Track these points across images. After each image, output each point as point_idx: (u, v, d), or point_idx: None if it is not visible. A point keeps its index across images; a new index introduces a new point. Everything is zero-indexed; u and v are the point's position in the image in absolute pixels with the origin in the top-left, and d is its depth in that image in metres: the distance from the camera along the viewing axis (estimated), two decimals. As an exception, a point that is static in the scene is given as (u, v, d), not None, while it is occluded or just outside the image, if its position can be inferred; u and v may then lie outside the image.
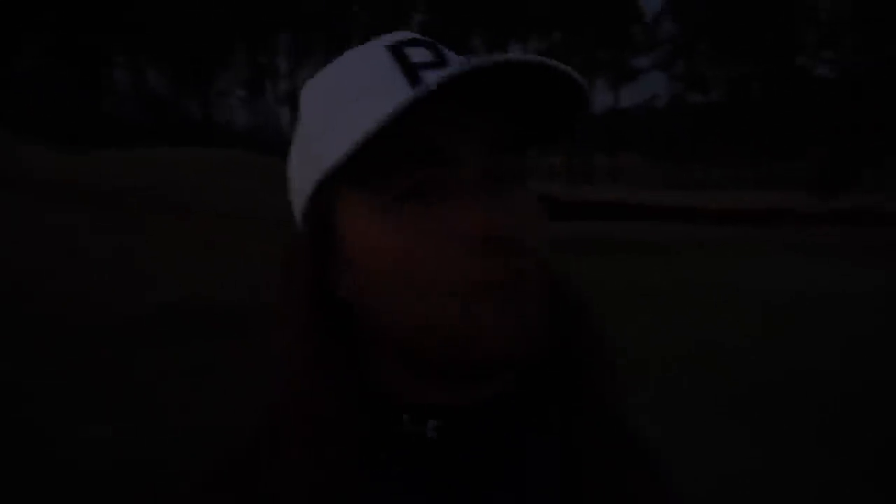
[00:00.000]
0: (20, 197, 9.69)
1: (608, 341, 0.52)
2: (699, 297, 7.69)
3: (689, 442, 3.69)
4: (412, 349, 0.46)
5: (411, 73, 0.45)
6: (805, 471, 3.70)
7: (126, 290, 6.93)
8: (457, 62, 0.46)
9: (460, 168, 0.44)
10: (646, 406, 4.69)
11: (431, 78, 0.42)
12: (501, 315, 0.43)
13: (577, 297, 0.53)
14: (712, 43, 55.94)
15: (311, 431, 0.45)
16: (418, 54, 0.46)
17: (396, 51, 0.46)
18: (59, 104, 46.46)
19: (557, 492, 0.49)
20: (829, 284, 8.87)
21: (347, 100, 0.45)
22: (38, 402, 4.31)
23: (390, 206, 0.44)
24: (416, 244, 0.43)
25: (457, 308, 0.43)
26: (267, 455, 0.46)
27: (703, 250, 11.01)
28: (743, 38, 53.50)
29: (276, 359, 0.48)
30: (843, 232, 18.22)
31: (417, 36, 0.48)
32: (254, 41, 54.44)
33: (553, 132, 0.49)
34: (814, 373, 5.28)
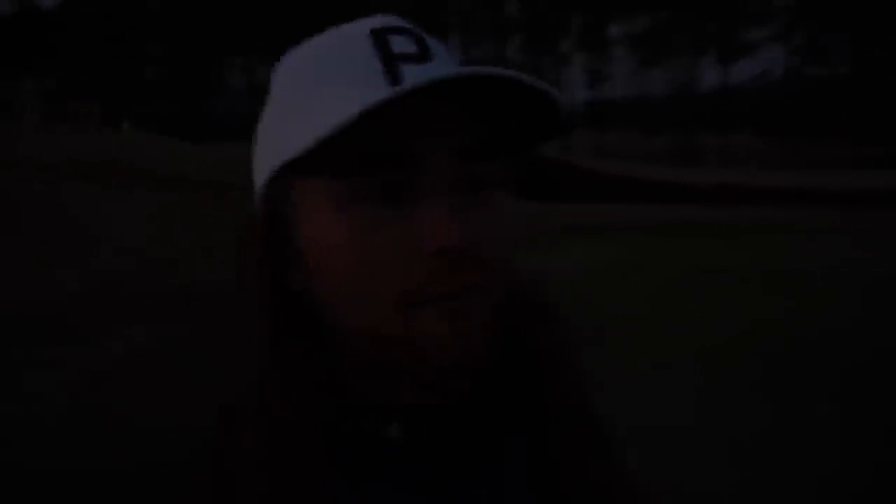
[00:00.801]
0: (136, 188, 10.53)
1: (571, 342, 0.52)
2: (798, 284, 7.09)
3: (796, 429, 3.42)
4: (357, 350, 0.45)
5: (390, 65, 0.43)
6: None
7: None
8: (441, 56, 0.45)
9: (427, 173, 0.42)
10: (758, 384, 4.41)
11: (410, 74, 0.42)
12: (444, 326, 0.42)
13: (540, 301, 0.52)
14: (834, 10, 51.29)
15: (267, 430, 0.44)
16: (401, 44, 0.44)
17: (379, 38, 0.44)
18: (180, 104, 50.22)
19: (525, 489, 0.48)
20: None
21: (320, 83, 0.44)
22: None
23: (347, 204, 0.42)
24: (368, 246, 0.42)
25: (400, 315, 0.42)
26: (226, 456, 0.45)
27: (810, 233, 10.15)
28: (869, 3, 48.65)
29: (234, 348, 0.47)
30: None
31: (404, 23, 0.46)
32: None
33: (530, 141, 0.47)
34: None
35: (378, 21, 0.45)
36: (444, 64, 0.44)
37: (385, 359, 0.44)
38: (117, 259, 7.45)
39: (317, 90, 0.44)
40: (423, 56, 0.43)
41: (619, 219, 12.01)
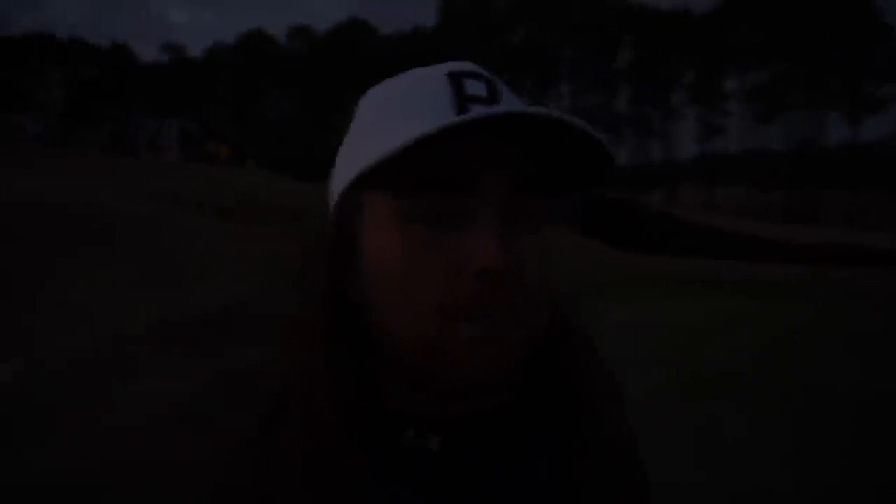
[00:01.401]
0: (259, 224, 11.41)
1: (603, 368, 0.56)
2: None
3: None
4: (400, 359, 0.48)
5: (461, 104, 0.47)
6: None
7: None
8: (510, 101, 0.49)
9: (480, 200, 0.46)
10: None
11: (477, 113, 0.45)
12: (478, 341, 0.46)
13: (575, 329, 0.57)
14: None
15: (313, 436, 0.47)
16: (473, 87, 0.48)
17: (455, 80, 0.48)
18: (299, 143, 53.70)
19: (557, 501, 0.51)
20: None
21: (396, 115, 0.48)
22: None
23: (406, 221, 0.47)
24: (419, 260, 0.46)
25: (438, 327, 0.46)
26: (267, 458, 0.48)
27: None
28: None
29: (283, 357, 0.52)
30: None
31: (480, 70, 0.50)
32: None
33: (582, 183, 0.51)
34: None
35: (456, 66, 0.50)
36: (511, 107, 0.48)
37: (424, 368, 0.47)
38: (239, 283, 8.17)
39: (391, 118, 0.48)
40: (492, 99, 0.48)
41: (722, 274, 11.58)
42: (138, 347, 6.13)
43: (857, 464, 4.05)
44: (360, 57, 51.77)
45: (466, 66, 0.51)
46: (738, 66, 54.78)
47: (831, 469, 4.03)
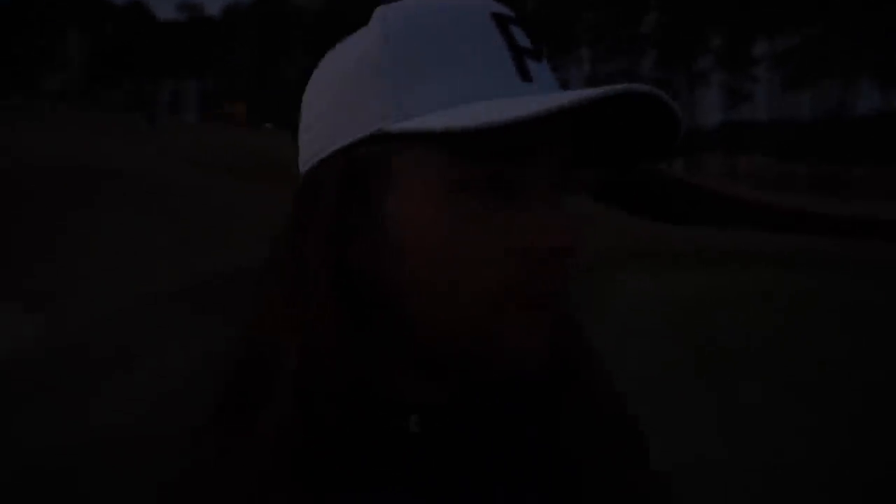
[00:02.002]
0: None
1: (585, 339, 0.53)
2: None
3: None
4: (419, 342, 0.43)
5: (520, 60, 0.42)
6: None
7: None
8: (544, 53, 0.45)
9: (540, 172, 0.42)
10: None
11: (534, 71, 0.42)
12: (531, 330, 0.42)
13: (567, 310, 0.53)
14: None
15: (304, 429, 0.42)
16: (520, 37, 0.43)
17: (503, 26, 0.43)
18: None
19: (547, 484, 0.47)
20: None
21: (452, 58, 0.42)
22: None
23: (458, 189, 0.41)
24: (472, 236, 0.41)
25: (491, 314, 0.41)
26: (243, 454, 0.43)
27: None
28: None
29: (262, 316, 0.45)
30: None
31: (510, 11, 0.46)
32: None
33: (633, 156, 0.47)
34: None
35: (493, 5, 0.44)
36: (545, 62, 0.45)
37: (455, 357, 0.43)
38: (259, 245, 8.20)
39: (441, 67, 0.42)
40: (538, 53, 0.44)
41: (742, 245, 11.44)
42: (162, 307, 6.20)
43: (867, 432, 4.01)
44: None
45: (501, 6, 0.45)
46: (768, 29, 53.10)
47: (843, 437, 4.00)
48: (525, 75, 0.42)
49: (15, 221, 8.34)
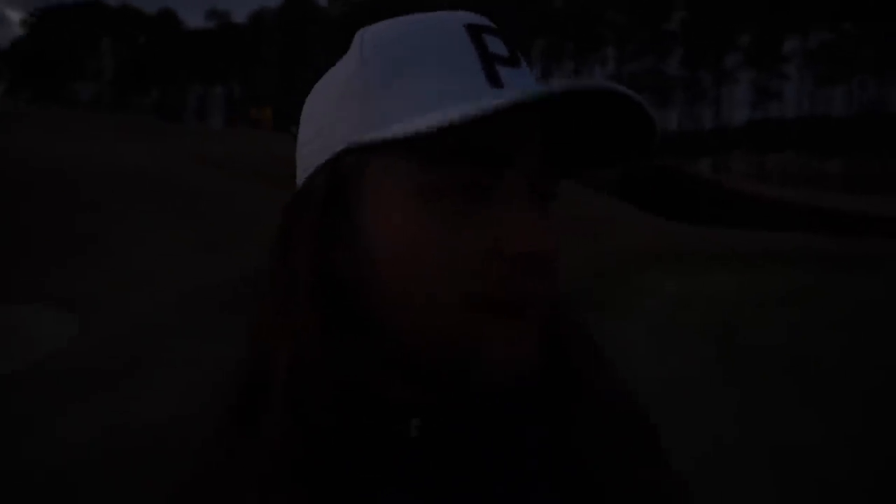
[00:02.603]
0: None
1: (591, 339, 0.52)
2: None
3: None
4: (404, 350, 0.43)
5: (489, 66, 0.42)
6: None
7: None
8: (522, 60, 0.45)
9: (516, 175, 0.41)
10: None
11: (506, 77, 0.42)
12: (509, 340, 0.41)
13: (569, 310, 0.51)
14: None
15: (300, 433, 0.42)
16: (494, 45, 0.44)
17: (475, 35, 0.43)
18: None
19: (549, 486, 0.46)
20: None
21: (420, 71, 0.42)
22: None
23: (431, 194, 0.40)
24: (446, 241, 0.40)
25: (465, 321, 0.40)
26: (243, 459, 0.43)
27: None
28: None
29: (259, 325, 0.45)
30: None
31: (488, 22, 0.46)
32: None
33: (611, 157, 0.46)
34: None
35: (470, 17, 0.46)
36: (526, 69, 0.44)
37: (441, 366, 0.42)
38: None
39: (413, 77, 0.42)
40: (514, 60, 0.44)
41: (765, 247, 11.23)
42: (188, 309, 6.28)
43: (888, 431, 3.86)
44: (400, 14, 51.20)
45: (479, 18, 0.46)
46: (798, 25, 52.07)
47: (885, 449, 3.86)
48: (495, 81, 0.41)
49: (42, 223, 8.53)
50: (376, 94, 0.43)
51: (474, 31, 0.44)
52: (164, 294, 6.62)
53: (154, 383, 4.64)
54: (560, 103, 0.41)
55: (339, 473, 0.42)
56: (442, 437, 0.46)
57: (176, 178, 10.74)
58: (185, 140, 15.65)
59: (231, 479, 0.43)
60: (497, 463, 0.46)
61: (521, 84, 0.42)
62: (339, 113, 0.44)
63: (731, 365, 5.19)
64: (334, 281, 0.43)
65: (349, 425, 0.43)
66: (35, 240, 8.14)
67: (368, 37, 0.45)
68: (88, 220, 8.66)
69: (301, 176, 0.47)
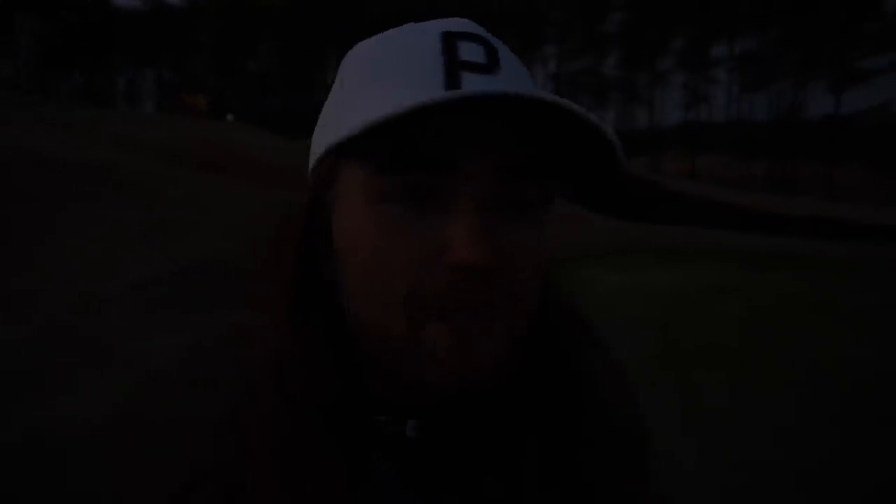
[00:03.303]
0: (239, 179, 11.25)
1: (610, 359, 0.52)
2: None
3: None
4: (369, 348, 0.45)
5: (452, 71, 0.42)
6: None
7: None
8: (510, 70, 0.44)
9: (464, 185, 0.41)
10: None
11: (470, 83, 0.41)
12: (451, 343, 0.41)
13: (577, 317, 0.52)
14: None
15: (286, 423, 0.44)
16: (470, 51, 0.43)
17: (448, 42, 0.43)
18: (281, 98, 52.71)
19: (547, 489, 0.47)
20: None
21: (379, 78, 0.43)
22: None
23: (380, 200, 0.42)
24: (388, 247, 0.42)
25: (406, 324, 0.42)
26: (240, 447, 0.45)
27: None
28: None
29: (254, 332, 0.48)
30: None
31: (480, 31, 0.45)
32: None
33: (582, 171, 0.45)
34: None
35: (455, 24, 0.45)
36: (510, 78, 0.43)
37: (393, 366, 0.44)
38: (224, 239, 8.06)
39: (375, 84, 0.43)
40: (489, 67, 0.43)
41: (703, 243, 11.72)
42: (131, 303, 6.04)
43: (840, 436, 4.14)
44: (346, 8, 50.47)
45: (465, 25, 0.45)
46: (728, 31, 54.43)
47: (812, 436, 4.12)
48: (454, 86, 0.41)
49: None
50: (342, 109, 0.45)
51: (449, 38, 0.43)
52: (102, 288, 6.33)
53: (90, 382, 4.45)
54: (522, 111, 0.39)
55: (330, 462, 0.43)
56: (440, 438, 0.46)
57: (111, 167, 10.27)
58: (118, 126, 14.95)
59: (230, 470, 0.44)
60: (493, 466, 0.46)
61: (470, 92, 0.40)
62: (322, 126, 0.48)
63: (667, 357, 5.42)
64: (318, 284, 0.46)
65: (340, 422, 0.44)
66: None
67: (347, 58, 0.48)
68: (19, 211, 8.17)
69: None
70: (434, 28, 0.45)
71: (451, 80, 0.41)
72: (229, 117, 36.13)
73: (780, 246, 12.23)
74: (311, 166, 0.48)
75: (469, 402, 0.46)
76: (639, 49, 56.30)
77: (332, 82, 0.49)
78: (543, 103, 0.38)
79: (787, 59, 53.85)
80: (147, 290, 6.32)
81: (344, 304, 0.45)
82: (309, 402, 0.44)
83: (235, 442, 0.45)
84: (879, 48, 51.93)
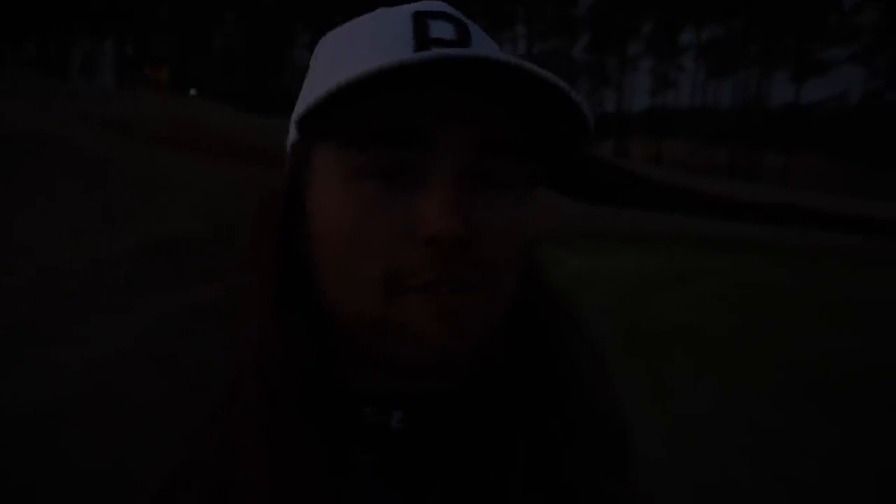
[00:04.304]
0: (208, 155, 10.99)
1: (595, 348, 0.52)
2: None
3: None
4: (350, 335, 0.44)
5: (422, 46, 0.42)
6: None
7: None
8: (482, 45, 0.44)
9: (438, 158, 0.41)
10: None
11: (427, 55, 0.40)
12: (428, 318, 0.41)
13: (560, 303, 0.51)
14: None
15: (267, 413, 0.43)
16: (441, 29, 0.43)
17: (419, 21, 0.43)
18: (245, 77, 51.55)
19: (529, 484, 0.46)
20: None
21: (352, 55, 0.44)
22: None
23: (352, 175, 0.42)
24: (363, 221, 0.41)
25: (384, 301, 0.41)
26: (226, 438, 0.44)
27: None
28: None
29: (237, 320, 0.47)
30: None
31: (451, 11, 0.45)
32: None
33: (556, 143, 0.45)
34: None
35: (426, 5, 0.45)
36: (481, 51, 0.42)
37: (372, 345, 0.43)
38: (189, 216, 7.89)
39: (343, 61, 0.43)
40: (460, 43, 0.43)
41: (667, 228, 11.92)
42: (92, 281, 5.88)
43: (799, 412, 4.28)
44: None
45: (438, 6, 0.45)
46: (696, 18, 55.02)
47: (769, 415, 4.25)
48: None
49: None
50: (311, 88, 0.46)
51: (419, 18, 0.44)
52: (60, 265, 6.14)
53: (46, 364, 4.33)
54: (499, 83, 0.39)
55: (311, 463, 0.42)
56: (425, 430, 0.46)
57: (71, 142, 9.91)
58: (77, 100, 14.43)
59: (217, 461, 0.44)
60: (477, 458, 0.46)
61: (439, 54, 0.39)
62: (297, 107, 0.47)
63: (630, 340, 5.52)
64: (298, 270, 0.45)
65: (323, 412, 0.44)
66: None
67: (323, 38, 0.48)
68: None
69: None
70: (405, 10, 0.45)
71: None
72: (192, 92, 35.25)
73: (743, 232, 12.50)
74: (287, 149, 0.48)
75: (454, 392, 0.46)
76: (609, 33, 56.55)
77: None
78: (509, 67, 0.37)
79: (751, 47, 54.78)
80: (105, 267, 6.16)
81: (320, 286, 0.44)
82: (290, 395, 0.43)
83: (220, 437, 0.44)
84: (839, 39, 53.24)
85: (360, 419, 0.46)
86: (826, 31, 52.44)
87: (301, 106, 0.44)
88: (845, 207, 21.10)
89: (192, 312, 5.22)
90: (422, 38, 0.42)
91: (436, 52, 0.38)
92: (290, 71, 56.77)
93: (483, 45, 0.44)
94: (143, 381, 3.84)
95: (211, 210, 8.14)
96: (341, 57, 0.44)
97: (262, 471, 0.41)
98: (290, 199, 0.46)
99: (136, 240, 6.99)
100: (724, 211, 18.17)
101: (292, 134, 0.47)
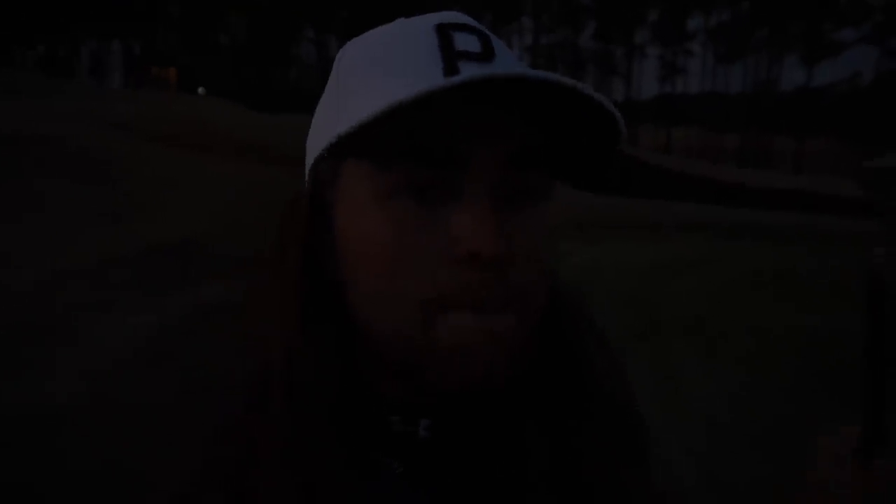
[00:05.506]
0: (213, 156, 11.01)
1: (609, 348, 0.52)
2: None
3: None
4: (380, 349, 0.44)
5: (450, 60, 0.42)
6: None
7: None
8: (505, 58, 0.44)
9: (471, 175, 0.41)
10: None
11: (468, 71, 0.41)
12: (469, 338, 0.41)
13: (576, 304, 0.52)
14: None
15: (294, 423, 0.43)
16: (465, 41, 0.43)
17: (443, 33, 0.43)
18: (253, 74, 51.63)
19: (550, 489, 0.47)
20: None
21: (377, 73, 0.43)
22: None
23: (386, 196, 0.41)
24: (399, 242, 0.41)
25: (424, 323, 0.41)
26: (250, 447, 0.44)
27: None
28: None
29: (256, 333, 0.47)
30: None
31: (472, 22, 0.46)
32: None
33: (586, 154, 0.45)
34: None
35: (446, 17, 0.45)
36: (506, 65, 0.43)
37: (409, 366, 0.43)
38: (194, 217, 7.91)
39: (372, 77, 0.43)
40: (485, 56, 0.43)
41: (678, 217, 11.82)
42: (97, 282, 5.91)
43: (800, 399, 4.23)
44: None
45: (458, 17, 0.45)
46: (703, 2, 54.41)
47: (776, 404, 4.22)
48: (453, 74, 0.41)
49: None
50: (339, 105, 0.45)
51: (443, 30, 0.44)
52: (66, 266, 6.18)
53: (54, 363, 4.35)
54: (529, 96, 0.39)
55: (338, 473, 0.42)
56: (451, 438, 0.46)
57: (78, 142, 9.97)
58: (86, 100, 14.51)
59: (240, 470, 0.43)
60: (503, 465, 0.46)
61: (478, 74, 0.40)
62: (319, 123, 0.47)
63: (642, 329, 5.48)
64: (322, 284, 0.45)
65: (350, 423, 0.44)
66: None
67: (343, 52, 0.48)
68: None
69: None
70: (427, 21, 0.45)
71: (450, 70, 0.41)
72: (200, 91, 35.38)
73: (754, 219, 12.39)
74: (309, 165, 0.47)
75: (481, 399, 0.46)
76: (615, 21, 56.06)
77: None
78: (548, 83, 0.37)
79: (760, 31, 54.12)
80: (113, 268, 6.19)
81: (352, 304, 0.44)
82: (318, 407, 0.43)
83: (244, 444, 0.44)
84: (850, 20, 52.45)
85: (387, 427, 0.46)
86: (837, 11, 51.66)
87: (333, 129, 0.42)
88: (853, 192, 20.83)
89: (200, 312, 5.24)
90: (448, 53, 0.42)
91: (477, 72, 0.38)
92: (297, 68, 56.84)
93: (504, 54, 0.44)
94: (150, 382, 3.86)
95: (219, 209, 8.17)
96: (371, 75, 0.43)
97: (290, 480, 0.42)
98: (315, 216, 0.46)
99: (144, 240, 7.03)
100: (734, 198, 18.01)
101: (315, 151, 0.46)
